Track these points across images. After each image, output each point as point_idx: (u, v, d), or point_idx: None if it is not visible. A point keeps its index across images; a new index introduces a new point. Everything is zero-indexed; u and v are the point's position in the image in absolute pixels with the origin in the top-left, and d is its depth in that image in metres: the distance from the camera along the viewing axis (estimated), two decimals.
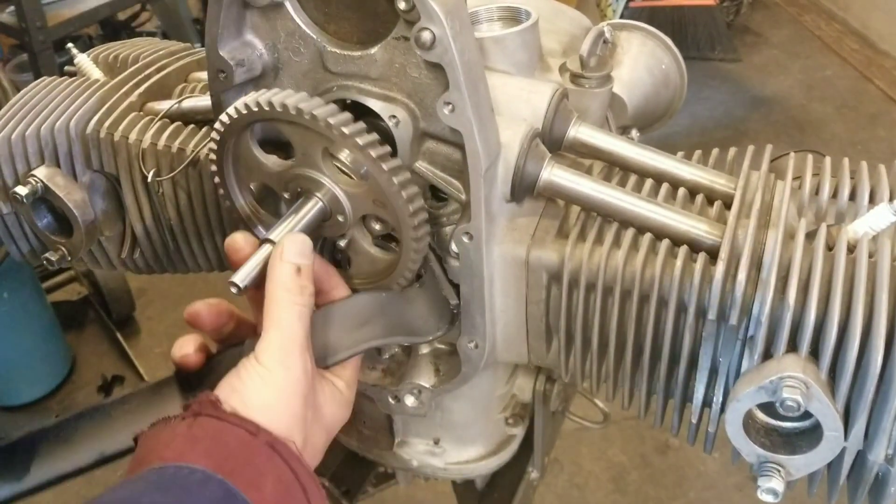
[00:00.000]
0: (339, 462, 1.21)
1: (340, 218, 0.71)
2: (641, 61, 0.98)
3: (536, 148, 0.73)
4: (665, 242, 0.71)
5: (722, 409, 0.70)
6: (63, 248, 0.96)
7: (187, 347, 0.72)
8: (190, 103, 0.93)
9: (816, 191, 0.76)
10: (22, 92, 0.98)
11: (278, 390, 0.65)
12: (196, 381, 0.72)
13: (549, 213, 0.77)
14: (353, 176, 0.69)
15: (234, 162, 0.74)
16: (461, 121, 0.66)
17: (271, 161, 0.72)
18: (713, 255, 0.68)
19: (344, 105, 0.68)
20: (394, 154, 0.68)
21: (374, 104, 0.70)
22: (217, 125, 0.70)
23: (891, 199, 0.72)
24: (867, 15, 4.21)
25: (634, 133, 0.97)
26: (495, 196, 0.72)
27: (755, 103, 3.83)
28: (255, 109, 0.67)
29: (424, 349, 0.87)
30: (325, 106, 0.66)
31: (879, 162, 0.78)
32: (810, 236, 0.68)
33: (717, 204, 0.75)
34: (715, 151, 0.83)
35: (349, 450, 1.04)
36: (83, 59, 1.02)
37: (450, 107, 0.66)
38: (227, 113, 0.69)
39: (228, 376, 0.65)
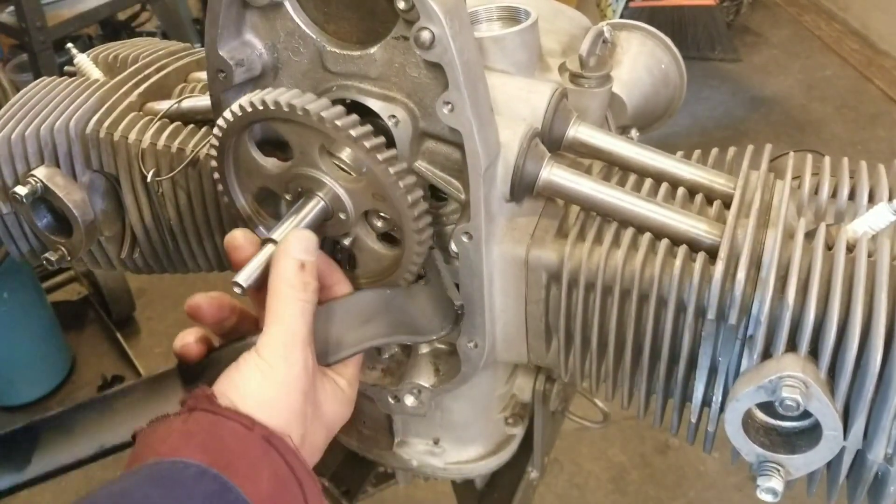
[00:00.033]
0: (339, 462, 1.21)
1: (342, 215, 0.71)
2: (641, 61, 0.98)
3: (536, 147, 0.73)
4: (664, 242, 0.71)
5: (721, 409, 0.70)
6: (63, 248, 0.96)
7: (188, 338, 0.72)
8: (189, 103, 0.93)
9: (816, 190, 0.76)
10: (22, 92, 0.98)
11: (278, 385, 0.64)
12: (197, 373, 0.72)
13: (549, 213, 0.77)
14: (351, 172, 0.69)
15: (234, 165, 0.74)
16: (460, 120, 0.66)
17: (270, 163, 0.72)
18: (712, 254, 0.69)
19: (343, 105, 0.68)
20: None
21: (374, 104, 0.70)
22: (215, 130, 0.71)
23: (890, 199, 0.72)
24: (867, 15, 4.21)
25: (634, 133, 0.97)
26: (495, 196, 0.72)
27: (755, 103, 3.83)
28: (250, 110, 0.67)
29: (424, 349, 0.87)
30: (317, 101, 0.66)
31: (879, 162, 0.78)
32: (809, 236, 0.68)
33: (717, 203, 0.75)
34: (714, 151, 0.83)
35: (349, 450, 1.04)
36: (83, 59, 1.02)
37: (449, 106, 0.66)
38: (223, 117, 0.69)
39: (228, 370, 0.65)
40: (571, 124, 0.78)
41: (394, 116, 0.69)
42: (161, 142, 0.89)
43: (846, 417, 0.64)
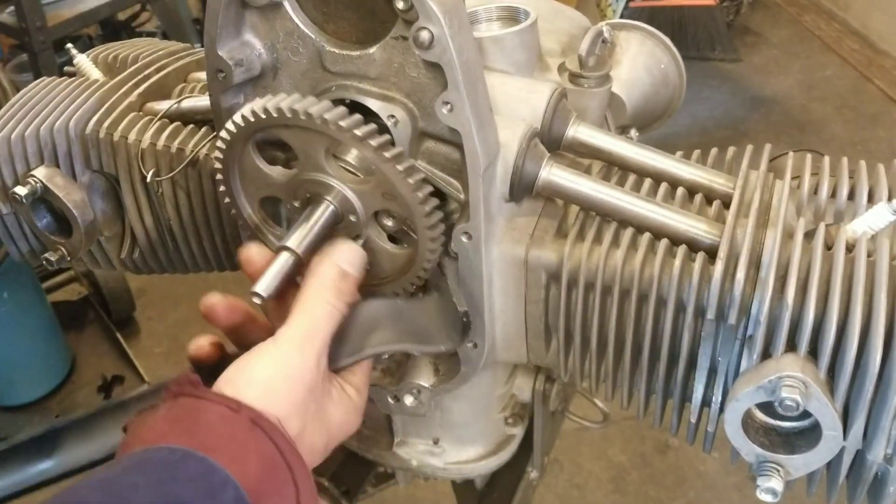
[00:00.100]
0: (338, 462, 1.21)
1: (353, 218, 0.71)
2: (640, 61, 0.98)
3: (535, 147, 0.73)
4: (664, 242, 0.71)
5: (721, 409, 0.70)
6: (62, 249, 0.96)
7: (202, 342, 0.72)
8: (189, 103, 0.93)
9: (815, 190, 0.76)
10: (21, 92, 0.98)
11: (285, 371, 0.64)
12: (212, 376, 0.72)
13: (548, 213, 0.77)
14: (358, 173, 0.69)
15: (240, 177, 0.74)
16: (460, 120, 0.66)
17: (277, 172, 0.72)
18: (712, 254, 0.68)
19: (343, 105, 0.68)
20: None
21: (373, 104, 0.70)
22: (219, 142, 0.70)
23: (889, 199, 0.72)
24: (867, 15, 4.21)
25: (633, 133, 0.97)
26: (494, 196, 0.72)
27: (755, 103, 3.83)
28: (252, 119, 0.67)
29: None
30: (319, 103, 0.66)
31: (879, 161, 0.78)
32: (809, 236, 0.68)
33: (716, 203, 0.75)
34: (714, 151, 0.83)
35: (349, 450, 1.04)
36: (83, 60, 1.02)
37: (448, 106, 0.66)
38: (226, 129, 0.69)
39: (241, 358, 0.65)
40: (571, 124, 0.78)
41: (393, 116, 0.69)
42: (161, 142, 0.89)
43: (846, 417, 0.64)
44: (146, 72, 0.98)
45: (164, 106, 0.93)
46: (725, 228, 0.69)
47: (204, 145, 0.88)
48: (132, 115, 0.92)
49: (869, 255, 0.65)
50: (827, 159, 0.78)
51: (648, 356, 0.73)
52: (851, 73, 3.98)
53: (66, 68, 1.05)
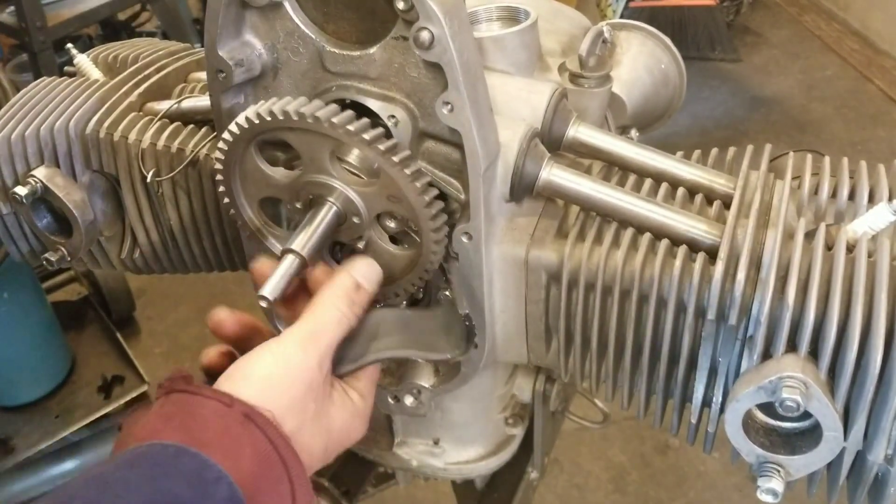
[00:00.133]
0: (338, 462, 1.21)
1: (356, 219, 0.71)
2: (641, 61, 0.98)
3: (535, 148, 0.73)
4: (664, 242, 0.71)
5: (721, 409, 0.70)
6: (63, 249, 0.96)
7: (212, 352, 0.72)
8: (189, 103, 0.93)
9: (816, 190, 0.76)
10: (22, 92, 0.98)
11: (285, 368, 0.64)
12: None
13: (549, 213, 0.77)
14: (362, 175, 0.70)
15: (241, 178, 0.74)
16: (460, 120, 0.66)
17: (279, 173, 0.72)
18: (712, 254, 0.68)
19: (343, 105, 0.68)
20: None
21: (373, 104, 0.70)
22: (220, 143, 0.70)
23: (890, 199, 0.72)
24: (867, 15, 4.21)
25: (634, 133, 0.97)
26: (494, 196, 0.72)
27: (755, 103, 3.83)
28: (256, 122, 0.67)
29: None
30: (326, 107, 0.66)
31: (879, 162, 0.78)
32: (809, 236, 0.68)
33: (717, 204, 0.75)
34: (714, 151, 0.83)
35: (349, 450, 1.04)
36: (83, 60, 1.02)
37: (449, 106, 0.66)
38: (228, 130, 0.69)
39: (244, 356, 0.65)
40: (571, 124, 0.78)
41: (393, 117, 0.69)
42: (161, 142, 0.88)
43: (846, 418, 0.64)
44: (146, 72, 0.97)
45: (164, 106, 0.93)
46: (726, 229, 0.69)
47: (204, 145, 0.88)
48: (132, 115, 0.92)
49: (869, 256, 0.65)
50: (827, 159, 0.78)
51: (649, 356, 0.73)
52: (851, 73, 3.98)
53: (66, 68, 1.05)
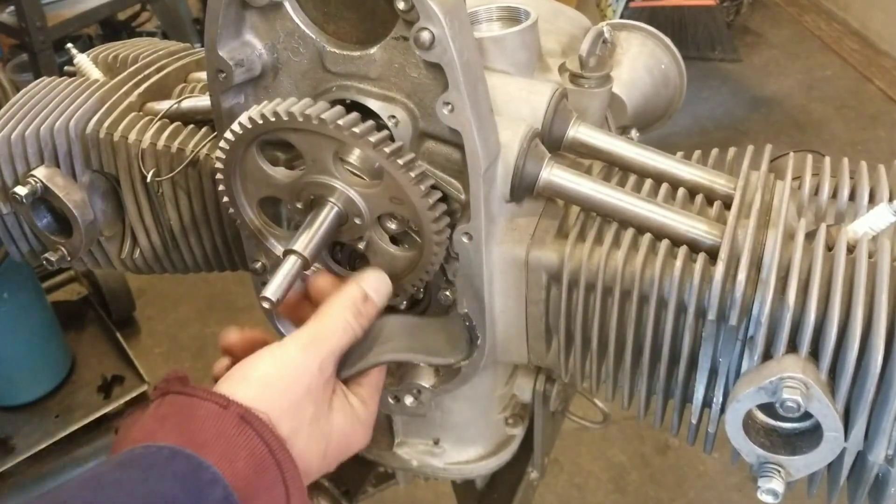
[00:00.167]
0: None
1: (357, 220, 0.71)
2: (641, 61, 0.98)
3: (536, 148, 0.73)
4: (665, 243, 0.71)
5: (722, 410, 0.70)
6: (63, 249, 0.96)
7: (222, 363, 0.72)
8: (189, 103, 0.93)
9: (816, 191, 0.76)
10: (22, 92, 0.98)
11: (284, 369, 0.64)
12: None
13: (549, 214, 0.77)
14: (364, 176, 0.70)
15: (241, 178, 0.73)
16: (460, 121, 0.66)
17: (280, 173, 0.72)
18: (713, 255, 0.68)
19: (343, 105, 0.68)
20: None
21: (374, 104, 0.70)
22: (222, 143, 0.70)
23: (890, 200, 0.72)
24: (867, 15, 4.21)
25: (634, 133, 0.97)
26: (495, 196, 0.72)
27: (755, 103, 3.83)
28: (260, 122, 0.67)
29: None
30: (331, 109, 0.66)
31: (879, 162, 0.78)
32: (810, 236, 0.68)
33: (717, 204, 0.75)
34: (714, 151, 0.83)
35: None
36: (83, 59, 1.02)
37: (449, 107, 0.66)
38: (231, 130, 0.69)
39: (246, 358, 0.65)
40: (571, 125, 0.78)
41: (393, 117, 0.69)
42: (161, 142, 0.88)
43: (847, 419, 0.64)
44: (146, 72, 0.97)
45: (164, 106, 0.93)
46: (726, 229, 0.69)
47: (204, 145, 0.88)
48: (132, 115, 0.92)
49: (870, 256, 0.65)
50: (828, 160, 0.78)
51: (649, 357, 0.73)
52: (851, 73, 3.98)
53: (66, 68, 1.05)
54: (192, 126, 0.91)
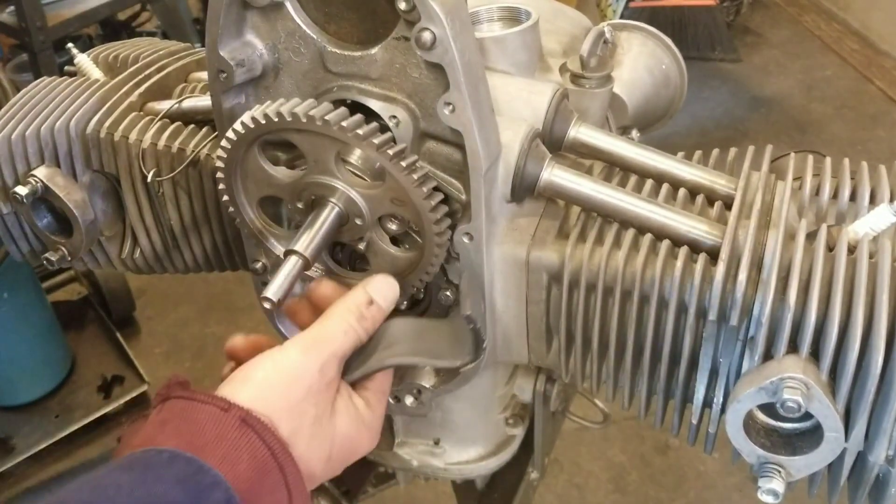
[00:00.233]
0: None
1: (358, 221, 0.71)
2: (641, 61, 0.98)
3: (537, 148, 0.73)
4: (665, 243, 0.71)
5: (722, 410, 0.70)
6: (63, 248, 0.96)
7: (228, 368, 0.72)
8: (190, 103, 0.93)
9: (817, 191, 0.76)
10: (22, 92, 0.98)
11: (284, 371, 0.63)
12: None
13: (550, 214, 0.77)
14: (365, 177, 0.70)
15: (242, 177, 0.73)
16: (461, 121, 0.66)
17: (282, 173, 0.72)
18: (714, 255, 0.68)
19: (343, 105, 0.68)
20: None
21: (375, 104, 0.70)
22: (224, 142, 0.70)
23: (891, 200, 0.72)
24: (867, 15, 4.21)
25: (635, 133, 0.97)
26: (496, 196, 0.72)
27: (755, 103, 3.83)
28: (263, 122, 0.67)
29: None
30: (335, 110, 0.66)
31: (879, 162, 0.78)
32: (811, 237, 0.68)
33: (718, 204, 0.75)
34: (715, 152, 0.83)
35: None
36: (83, 59, 1.02)
37: (450, 107, 0.66)
38: (233, 129, 0.69)
39: (248, 361, 0.65)
40: (572, 125, 0.78)
41: (394, 117, 0.69)
42: (161, 142, 0.88)
43: (847, 419, 0.64)
44: (147, 72, 0.97)
45: (164, 106, 0.93)
46: (727, 230, 0.69)
47: (205, 145, 0.88)
48: (133, 114, 0.92)
49: (871, 257, 0.65)
50: (828, 160, 0.78)
51: (650, 357, 0.73)
52: (851, 73, 3.98)
53: (66, 68, 1.05)
54: (192, 126, 0.91)
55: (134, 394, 2.35)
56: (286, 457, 0.60)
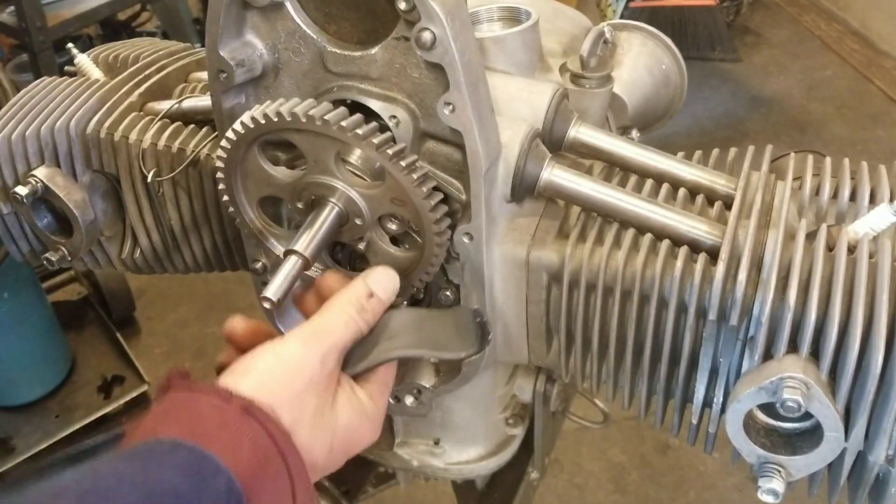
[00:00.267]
0: None
1: (358, 221, 0.71)
2: (641, 61, 0.98)
3: (537, 148, 0.73)
4: (665, 243, 0.71)
5: (722, 410, 0.70)
6: (63, 249, 0.96)
7: (225, 353, 0.72)
8: (190, 103, 0.93)
9: (817, 191, 0.76)
10: (22, 92, 0.98)
11: (285, 363, 0.63)
12: None
13: (550, 214, 0.77)
14: (365, 177, 0.70)
15: (242, 177, 0.74)
16: (461, 121, 0.66)
17: (282, 173, 0.72)
18: (714, 255, 0.68)
19: (343, 105, 0.68)
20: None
21: (375, 104, 0.70)
22: (223, 142, 0.70)
23: (891, 200, 0.72)
24: (867, 15, 4.21)
25: (635, 133, 0.97)
26: (496, 196, 0.72)
27: (755, 103, 3.83)
28: (263, 122, 0.67)
29: None
30: (335, 110, 0.66)
31: (879, 162, 0.78)
32: (811, 237, 0.68)
33: (718, 204, 0.75)
34: (715, 152, 0.83)
35: None
36: (83, 59, 1.02)
37: (450, 107, 0.66)
38: (233, 129, 0.69)
39: (248, 352, 0.65)
40: (572, 125, 0.78)
41: (394, 117, 0.69)
42: (161, 142, 0.88)
43: (847, 419, 0.64)
44: (147, 72, 0.97)
45: (164, 106, 0.93)
46: (727, 229, 0.69)
47: (205, 145, 0.88)
48: (133, 115, 0.92)
49: (871, 257, 0.65)
50: (828, 160, 0.78)
51: (650, 357, 0.73)
52: (851, 73, 3.98)
53: (66, 68, 1.05)
54: (192, 126, 0.91)
55: (134, 394, 2.34)
56: (288, 445, 0.60)
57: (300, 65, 0.72)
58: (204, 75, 0.98)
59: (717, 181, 0.78)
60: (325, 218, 0.70)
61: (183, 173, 0.89)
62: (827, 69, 4.03)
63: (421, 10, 0.62)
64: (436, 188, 0.69)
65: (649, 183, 0.78)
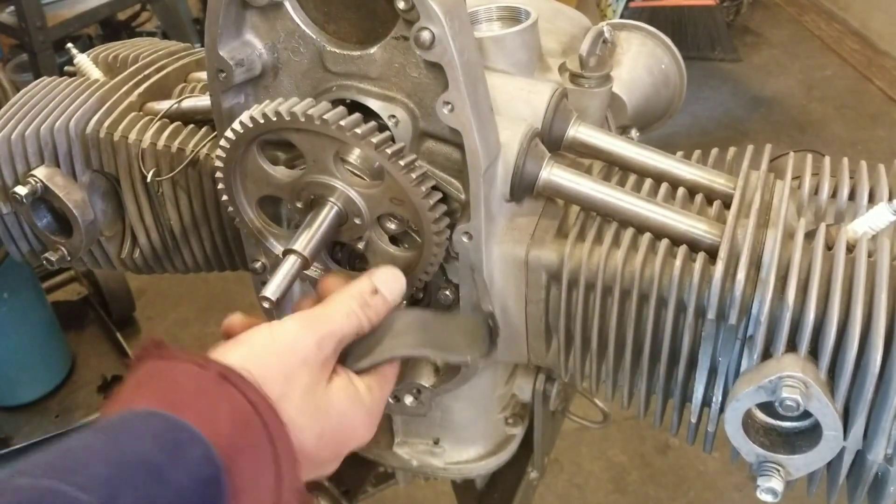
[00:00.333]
0: None
1: (357, 220, 0.71)
2: (641, 61, 0.98)
3: (536, 147, 0.73)
4: (664, 242, 0.71)
5: (721, 409, 0.70)
6: (63, 249, 0.96)
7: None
8: (189, 103, 0.93)
9: (816, 190, 0.76)
10: (22, 92, 0.98)
11: (280, 340, 0.62)
12: None
13: (549, 213, 0.77)
14: (364, 176, 0.70)
15: (241, 177, 0.74)
16: (461, 120, 0.66)
17: (281, 172, 0.72)
18: (712, 254, 0.69)
19: (342, 105, 0.68)
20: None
21: (374, 104, 0.70)
22: (223, 142, 0.70)
23: (890, 199, 0.72)
24: (867, 15, 4.21)
25: (634, 133, 0.97)
26: (495, 196, 0.72)
27: (755, 103, 3.83)
28: (262, 121, 0.67)
29: None
30: (333, 109, 0.66)
31: (879, 162, 0.78)
32: (809, 236, 0.68)
33: (717, 203, 0.75)
34: (714, 151, 0.83)
35: None
36: (83, 59, 1.02)
37: (449, 106, 0.66)
38: (232, 129, 0.69)
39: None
40: (571, 124, 0.78)
41: (394, 116, 0.69)
42: (161, 142, 0.89)
43: (846, 418, 0.64)
44: (146, 72, 0.97)
45: (164, 106, 0.93)
46: (726, 229, 0.69)
47: (204, 145, 0.88)
48: (132, 114, 0.92)
49: (869, 256, 0.65)
50: (827, 160, 0.79)
51: (649, 356, 0.73)
52: (851, 73, 3.98)
53: (66, 68, 1.05)
54: (192, 126, 0.91)
55: None
56: (269, 412, 0.57)
57: (299, 64, 0.73)
58: (203, 75, 0.98)
59: (716, 180, 0.78)
60: (325, 217, 0.70)
61: (182, 173, 0.89)
62: (827, 69, 4.03)
63: (420, 9, 0.62)
64: (435, 187, 0.69)
65: (648, 182, 0.78)
